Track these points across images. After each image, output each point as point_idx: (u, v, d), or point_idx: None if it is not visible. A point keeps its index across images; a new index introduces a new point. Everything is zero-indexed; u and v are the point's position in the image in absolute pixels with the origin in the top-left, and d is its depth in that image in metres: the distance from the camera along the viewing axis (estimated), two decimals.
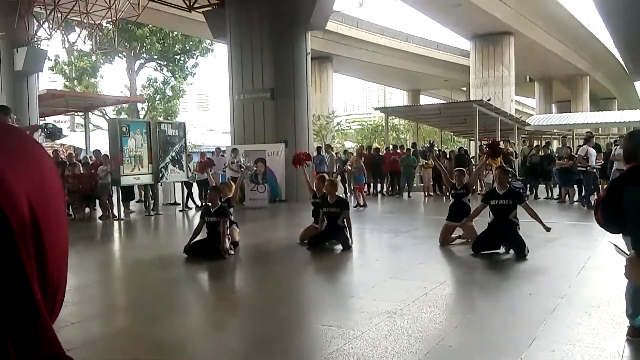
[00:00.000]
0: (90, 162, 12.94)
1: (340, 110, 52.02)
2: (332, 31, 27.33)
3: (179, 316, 4.94)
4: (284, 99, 15.26)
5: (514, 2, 26.42)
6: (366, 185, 17.65)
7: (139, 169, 12.02)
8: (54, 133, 7.30)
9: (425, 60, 37.57)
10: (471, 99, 28.32)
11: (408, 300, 4.70)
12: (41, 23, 20.07)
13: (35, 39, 19.75)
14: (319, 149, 16.79)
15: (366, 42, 33.67)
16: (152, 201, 12.80)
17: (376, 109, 21.88)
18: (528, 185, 14.60)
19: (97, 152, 13.40)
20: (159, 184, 12.98)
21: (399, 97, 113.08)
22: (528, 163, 14.73)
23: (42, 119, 22.77)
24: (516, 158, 15.93)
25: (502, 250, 6.92)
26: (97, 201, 12.22)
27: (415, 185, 16.85)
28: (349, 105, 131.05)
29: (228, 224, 7.63)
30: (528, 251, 6.63)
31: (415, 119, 21.34)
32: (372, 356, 3.46)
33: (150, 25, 30.57)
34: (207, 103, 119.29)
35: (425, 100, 50.61)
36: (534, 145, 16.81)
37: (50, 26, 20.18)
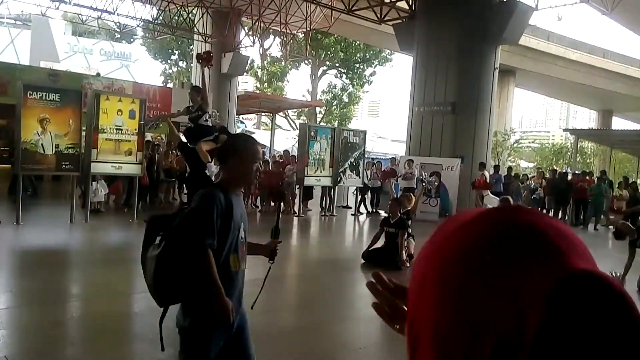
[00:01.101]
0: (280, 161, 14.11)
1: (516, 126, 49.26)
2: (519, 44, 26.03)
3: (355, 320, 5.24)
4: (465, 113, 14.99)
5: None
6: (544, 211, 16.53)
7: (321, 172, 12.81)
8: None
9: (624, 79, 33.75)
10: None
11: None
12: (246, 31, 22.42)
13: (241, 46, 22.10)
14: (496, 167, 16.16)
15: (556, 57, 31.35)
16: (329, 203, 13.54)
17: (565, 130, 20.30)
18: None
19: (286, 152, 14.58)
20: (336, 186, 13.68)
21: (584, 117, 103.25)
22: None
23: (238, 116, 25.41)
24: None
25: None
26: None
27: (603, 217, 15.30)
28: (525, 121, 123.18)
29: (406, 236, 7.81)
30: None
31: (609, 144, 19.34)
32: None
33: (335, 35, 32.22)
34: (378, 110, 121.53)
35: (618, 122, 45.47)
36: None
37: (253, 34, 22.43)
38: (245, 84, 50.98)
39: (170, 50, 37.14)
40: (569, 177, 16.56)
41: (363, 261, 7.69)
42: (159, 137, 20.10)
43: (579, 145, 26.10)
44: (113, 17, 22.00)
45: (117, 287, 5.71)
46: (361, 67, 38.39)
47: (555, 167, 23.70)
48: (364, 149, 13.97)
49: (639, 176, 20.51)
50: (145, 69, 33.05)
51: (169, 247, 2.22)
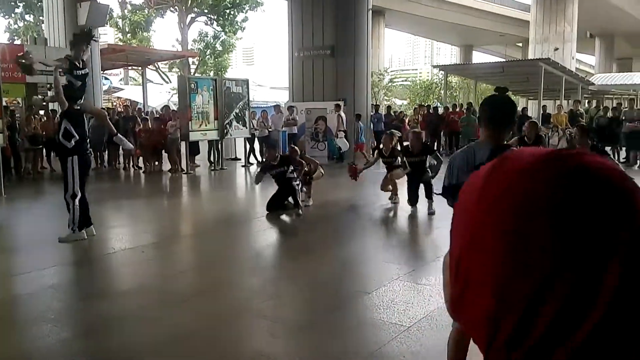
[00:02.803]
0: (160, 117, 13.34)
1: (387, 66, 51.13)
2: None
3: (264, 271, 5.24)
4: (344, 56, 15.15)
5: None
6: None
7: (206, 125, 12.34)
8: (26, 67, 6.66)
9: (482, 14, 36.17)
10: (530, 56, 27.31)
11: None
12: None
13: None
14: (376, 107, 16.72)
15: None
16: (217, 156, 13.17)
17: (434, 66, 21.42)
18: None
19: (166, 107, 13.79)
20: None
21: (446, 52, 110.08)
22: (595, 125, 14.28)
23: (103, 72, 23.40)
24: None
25: None
26: (167, 155, 12.65)
27: None
28: (394, 60, 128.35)
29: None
30: None
31: (474, 77, 20.80)
32: None
33: None
34: (252, 57, 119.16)
35: (477, 56, 49.04)
36: (601, 106, 16.21)
37: None
38: (106, 36, 46.88)
39: (13, 3, 32.80)
40: (440, 111, 17.63)
41: (260, 212, 7.65)
42: (14, 102, 18.00)
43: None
44: None
45: None
46: (232, 12, 36.90)
47: (428, 103, 25.10)
48: (248, 98, 13.63)
49: None
50: None
51: None
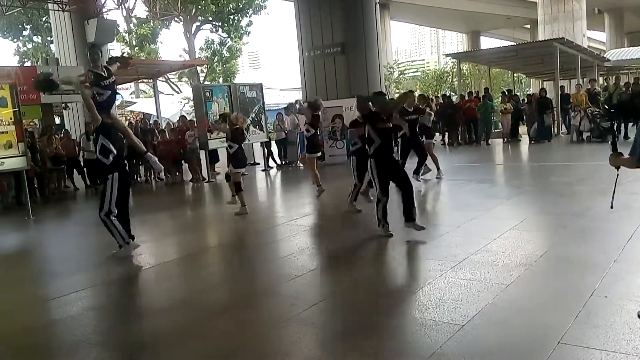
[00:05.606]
0: (177, 128, 13.36)
1: (395, 58, 50.75)
2: None
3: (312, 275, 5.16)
4: (355, 52, 15.06)
5: None
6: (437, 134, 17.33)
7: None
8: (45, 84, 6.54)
9: None
10: (540, 37, 26.90)
11: None
12: None
13: (104, 10, 20.20)
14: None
15: None
16: None
17: (446, 55, 21.18)
18: (615, 125, 13.92)
19: (183, 118, 13.81)
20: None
21: (452, 40, 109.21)
22: (617, 101, 13.98)
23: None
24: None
25: None
26: (187, 165, 12.66)
27: (493, 131, 16.44)
28: (400, 52, 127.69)
29: None
30: None
31: (487, 63, 20.54)
32: None
33: None
34: (258, 61, 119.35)
35: (485, 41, 48.52)
36: (620, 83, 15.88)
37: None
38: (113, 51, 47.21)
39: (20, 26, 33.23)
40: (454, 100, 17.41)
41: (287, 216, 7.57)
42: (31, 123, 18.19)
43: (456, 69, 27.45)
44: None
45: (35, 294, 5.10)
46: (236, 18, 36.99)
47: (443, 93, 24.86)
48: (263, 102, 13.60)
49: (516, 88, 22.17)
50: None
51: None
